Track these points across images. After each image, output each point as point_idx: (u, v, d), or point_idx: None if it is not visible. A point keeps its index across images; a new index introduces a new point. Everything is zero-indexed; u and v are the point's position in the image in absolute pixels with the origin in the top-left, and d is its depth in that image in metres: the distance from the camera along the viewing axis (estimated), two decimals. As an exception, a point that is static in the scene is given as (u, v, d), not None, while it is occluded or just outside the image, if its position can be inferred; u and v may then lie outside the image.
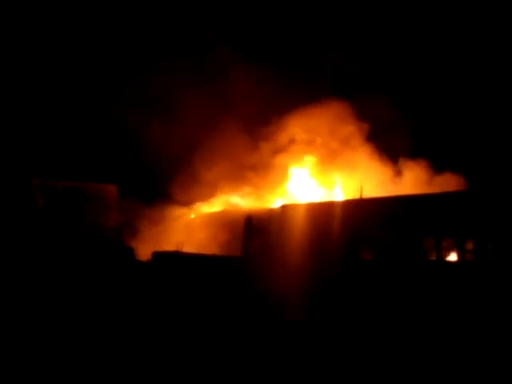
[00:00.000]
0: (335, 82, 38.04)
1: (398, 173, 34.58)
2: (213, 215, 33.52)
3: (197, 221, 34.00)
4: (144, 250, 32.15)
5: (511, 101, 37.11)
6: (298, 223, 28.83)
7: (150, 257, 31.05)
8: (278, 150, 35.47)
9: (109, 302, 25.37)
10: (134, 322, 22.72)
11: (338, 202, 30.09)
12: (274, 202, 34.28)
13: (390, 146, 35.16)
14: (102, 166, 37.42)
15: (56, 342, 19.90)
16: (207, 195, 34.86)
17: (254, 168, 35.61)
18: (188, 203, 34.73)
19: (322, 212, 28.55)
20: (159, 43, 38.29)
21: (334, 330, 22.23)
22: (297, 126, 35.47)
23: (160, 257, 30.47)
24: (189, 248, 31.65)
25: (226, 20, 40.08)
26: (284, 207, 30.58)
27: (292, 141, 35.46)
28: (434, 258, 25.04)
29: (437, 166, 34.49)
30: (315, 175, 35.11)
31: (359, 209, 27.50)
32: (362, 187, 29.65)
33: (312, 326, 22.91)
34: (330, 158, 34.02)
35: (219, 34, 38.70)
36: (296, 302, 25.21)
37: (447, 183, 32.40)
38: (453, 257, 24.83)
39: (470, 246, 24.26)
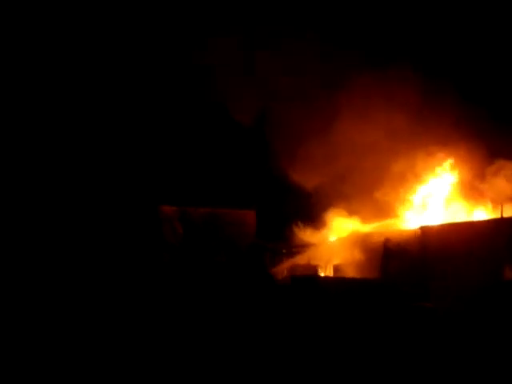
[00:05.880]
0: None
1: None
2: (350, 237, 33.38)
3: (335, 243, 33.96)
4: (283, 274, 32.61)
5: None
6: (439, 245, 28.36)
7: (288, 281, 31.38)
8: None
9: (248, 327, 25.94)
10: (272, 348, 23.08)
11: (481, 222, 29.28)
12: (409, 222, 33.62)
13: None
14: (238, 191, 37.86)
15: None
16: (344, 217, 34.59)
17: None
18: (326, 226, 34.60)
19: (464, 232, 27.98)
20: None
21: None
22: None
23: (298, 281, 30.71)
24: (326, 271, 31.90)
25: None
26: (423, 228, 30.07)
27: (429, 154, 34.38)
28: None
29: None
30: (454, 192, 34.00)
31: (503, 228, 26.85)
32: (502, 205, 28.87)
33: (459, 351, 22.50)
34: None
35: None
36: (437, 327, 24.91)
37: None
38: None
39: None
